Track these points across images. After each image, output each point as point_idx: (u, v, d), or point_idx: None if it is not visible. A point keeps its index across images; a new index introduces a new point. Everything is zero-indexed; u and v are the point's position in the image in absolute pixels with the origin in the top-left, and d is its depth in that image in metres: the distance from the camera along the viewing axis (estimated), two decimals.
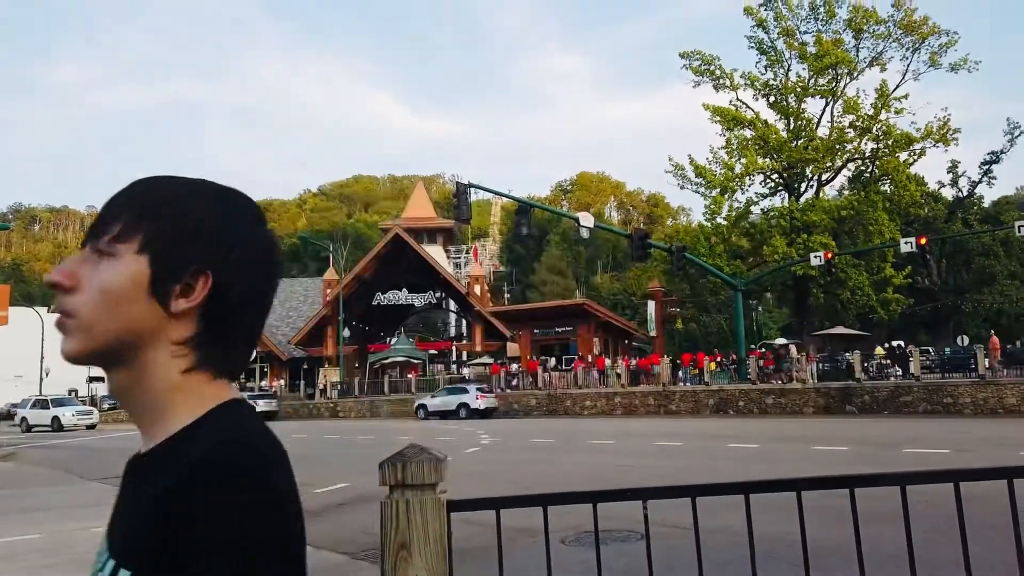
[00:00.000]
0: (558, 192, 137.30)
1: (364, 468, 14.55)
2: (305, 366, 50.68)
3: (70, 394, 50.52)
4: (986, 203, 58.42)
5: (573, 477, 11.87)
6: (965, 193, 53.81)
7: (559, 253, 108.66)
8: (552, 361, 39.45)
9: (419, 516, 2.14)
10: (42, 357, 54.12)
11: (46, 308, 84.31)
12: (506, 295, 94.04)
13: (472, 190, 22.94)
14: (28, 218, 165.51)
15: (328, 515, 9.87)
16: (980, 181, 51.68)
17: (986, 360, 23.87)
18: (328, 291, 48.03)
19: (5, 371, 64.03)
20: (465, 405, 31.52)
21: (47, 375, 54.54)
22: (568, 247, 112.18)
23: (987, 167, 50.47)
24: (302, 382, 46.81)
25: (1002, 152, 49.26)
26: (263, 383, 47.62)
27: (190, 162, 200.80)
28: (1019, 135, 47.74)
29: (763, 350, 37.82)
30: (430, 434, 23.02)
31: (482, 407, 31.34)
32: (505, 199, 23.09)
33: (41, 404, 38.31)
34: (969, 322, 56.02)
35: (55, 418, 36.28)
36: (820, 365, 28.86)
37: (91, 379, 55.04)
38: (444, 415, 31.66)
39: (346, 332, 44.32)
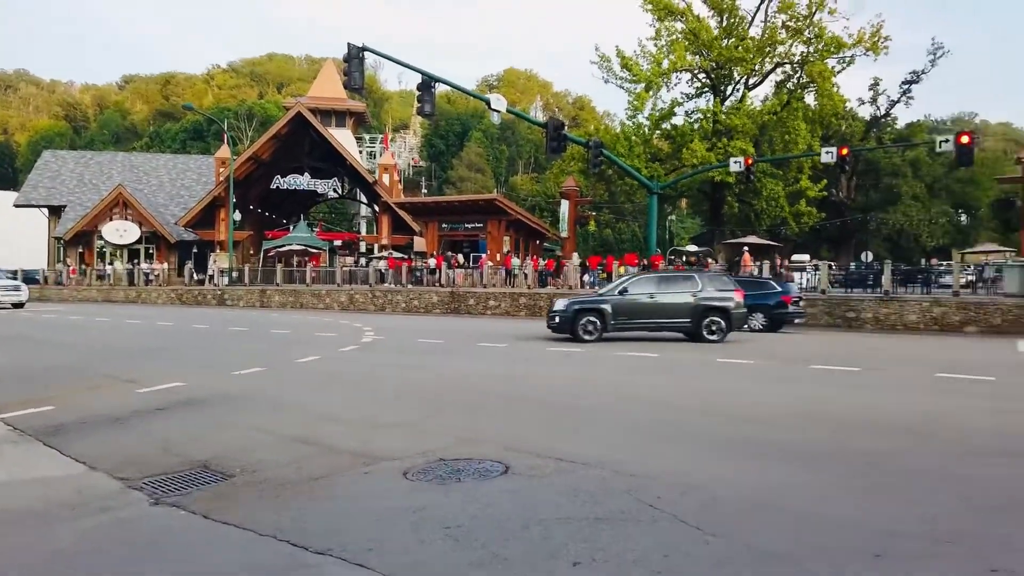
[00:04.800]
0: (484, 88, 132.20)
1: (213, 364, 12.57)
2: (195, 250, 47.17)
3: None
4: (900, 125, 58.84)
5: (445, 387, 10.28)
6: (883, 112, 53.81)
7: (480, 150, 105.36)
8: (460, 258, 37.73)
9: None
10: None
11: None
12: (423, 191, 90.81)
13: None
14: None
15: (135, 422, 7.96)
16: (899, 100, 51.63)
17: (889, 277, 23.58)
18: (221, 170, 44.19)
19: None
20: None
21: None
22: (489, 144, 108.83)
23: (907, 87, 50.32)
24: (190, 265, 43.44)
25: (923, 72, 49.05)
26: (146, 265, 44.01)
27: (86, 22, 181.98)
28: (941, 56, 47.47)
29: (672, 257, 37.22)
30: (315, 328, 21.09)
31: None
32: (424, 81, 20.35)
33: None
34: (872, 240, 57.45)
35: None
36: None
37: None
38: None
39: (237, 215, 41.06)
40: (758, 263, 28.33)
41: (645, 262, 31.86)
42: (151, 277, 41.79)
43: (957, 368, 11.71)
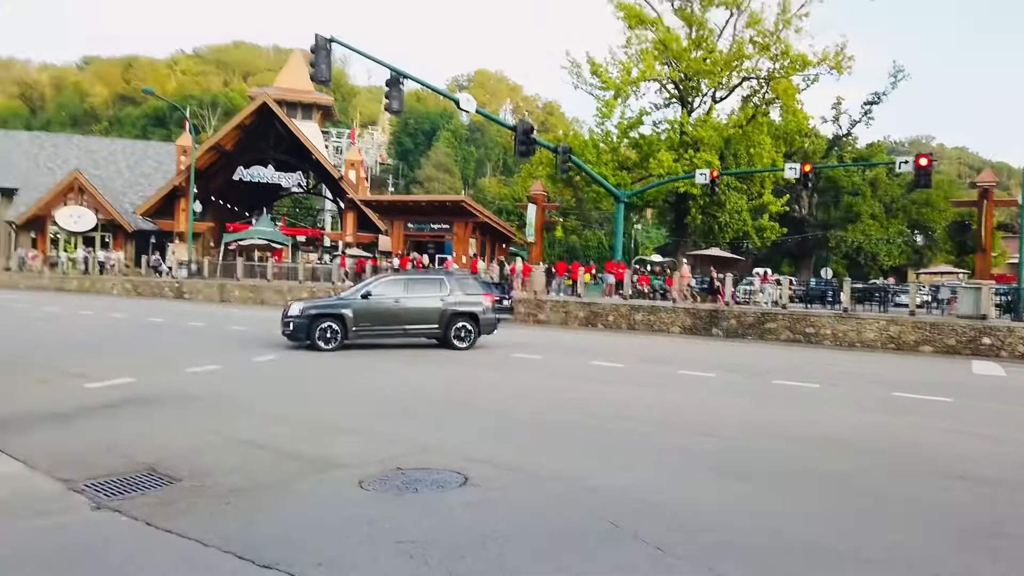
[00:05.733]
0: (454, 87, 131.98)
1: (166, 360, 12.19)
2: (153, 240, 46.07)
3: None
4: (860, 144, 60.01)
5: (404, 391, 10.11)
6: (844, 131, 54.87)
7: (448, 150, 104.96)
8: (424, 259, 37.42)
9: None
10: None
11: None
12: (390, 189, 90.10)
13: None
14: None
15: (80, 420, 7.65)
16: (860, 120, 52.70)
17: (848, 294, 23.97)
18: (182, 158, 43.22)
19: None
20: None
21: None
22: (458, 145, 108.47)
23: (868, 107, 51.41)
24: (156, 257, 42.32)
25: (884, 94, 50.18)
26: (102, 253, 42.77)
27: (41, 5, 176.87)
28: (902, 79, 48.66)
29: (638, 267, 37.45)
30: (275, 325, 20.60)
31: None
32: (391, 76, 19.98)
33: None
34: (831, 257, 58.50)
35: None
36: (706, 286, 28.61)
37: None
38: None
39: (197, 206, 40.13)
40: (722, 275, 28.58)
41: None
42: (107, 267, 40.63)
43: (915, 388, 11.88)
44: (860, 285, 29.92)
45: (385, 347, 15.44)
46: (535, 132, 25.72)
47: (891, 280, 41.94)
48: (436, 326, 15.41)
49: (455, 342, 15.36)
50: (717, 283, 27.58)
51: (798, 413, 9.16)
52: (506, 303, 24.71)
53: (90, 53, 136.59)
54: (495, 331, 16.60)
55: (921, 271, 57.60)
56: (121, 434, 7.08)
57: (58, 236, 46.77)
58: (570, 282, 30.54)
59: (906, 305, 24.75)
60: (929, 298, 28.88)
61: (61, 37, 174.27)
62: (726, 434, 7.73)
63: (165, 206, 44.04)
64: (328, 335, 14.36)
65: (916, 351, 20.10)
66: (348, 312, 14.65)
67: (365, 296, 14.99)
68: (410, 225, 40.96)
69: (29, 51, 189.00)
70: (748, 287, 28.63)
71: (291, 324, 14.52)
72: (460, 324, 15.49)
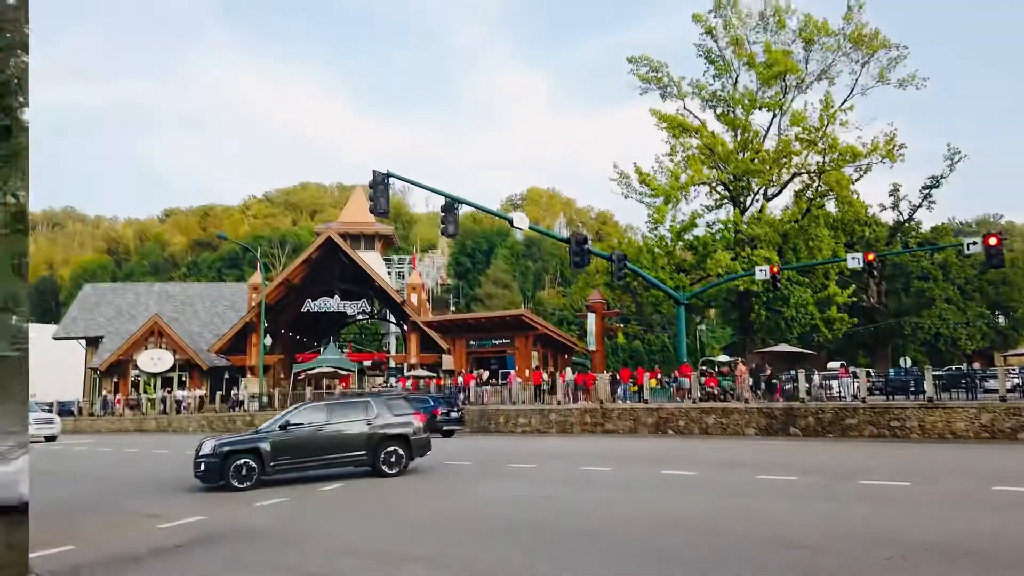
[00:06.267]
0: (508, 207, 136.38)
1: (234, 495, 12.30)
2: (227, 376, 47.55)
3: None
4: (924, 228, 58.75)
5: (473, 513, 9.89)
6: (905, 217, 53.97)
7: (506, 267, 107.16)
8: (486, 374, 37.45)
9: None
10: None
11: None
12: (451, 308, 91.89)
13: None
14: None
15: (151, 562, 7.71)
16: (920, 205, 51.86)
17: (932, 382, 22.79)
18: (253, 296, 45.18)
19: None
20: None
21: None
22: (515, 261, 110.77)
23: (928, 191, 50.63)
24: (221, 392, 43.68)
25: (942, 177, 49.40)
26: (182, 392, 44.32)
27: (134, 161, 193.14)
28: (959, 161, 47.93)
29: (704, 368, 36.62)
30: None
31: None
32: (447, 202, 21.01)
33: None
34: (908, 345, 56.12)
35: None
36: (762, 384, 27.62)
37: None
38: None
39: (268, 340, 41.48)
40: (793, 371, 27.68)
41: (676, 373, 31.38)
42: (184, 405, 41.96)
43: (1019, 480, 11.04)
44: (942, 372, 28.54)
45: (466, 470, 15.29)
46: (589, 242, 26.13)
47: (976, 365, 39.83)
48: (363, 452, 14.19)
49: (384, 468, 14.12)
50: (775, 380, 26.84)
51: (891, 516, 8.57)
52: (454, 415, 27.35)
53: (170, 205, 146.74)
54: (428, 453, 15.31)
55: (1008, 353, 54.57)
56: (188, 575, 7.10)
57: (139, 378, 48.74)
58: (636, 388, 29.98)
59: (996, 390, 23.34)
60: (1020, 381, 27.28)
61: (144, 193, 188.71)
62: (817, 543, 7.26)
63: (237, 342, 45.70)
64: (243, 473, 13.18)
65: (1013, 439, 18.81)
66: (265, 446, 13.51)
67: (284, 427, 13.90)
68: (472, 342, 41.30)
69: (116, 208, 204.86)
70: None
71: (202, 464, 13.32)
72: (390, 448, 14.30)
